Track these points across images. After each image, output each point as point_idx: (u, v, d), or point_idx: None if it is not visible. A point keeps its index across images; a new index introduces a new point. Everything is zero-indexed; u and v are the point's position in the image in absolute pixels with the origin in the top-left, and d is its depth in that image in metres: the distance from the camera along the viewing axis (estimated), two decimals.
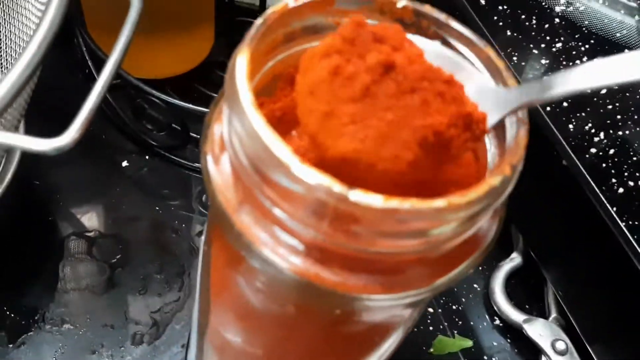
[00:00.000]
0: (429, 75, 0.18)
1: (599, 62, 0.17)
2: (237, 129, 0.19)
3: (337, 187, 0.17)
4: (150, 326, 0.37)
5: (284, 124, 0.24)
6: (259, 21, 0.20)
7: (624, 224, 0.34)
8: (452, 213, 0.17)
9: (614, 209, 0.35)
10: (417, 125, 0.18)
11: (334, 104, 0.18)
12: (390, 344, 0.25)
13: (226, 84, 0.20)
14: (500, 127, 0.21)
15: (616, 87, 0.40)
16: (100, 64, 0.28)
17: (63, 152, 0.23)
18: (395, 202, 0.17)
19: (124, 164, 0.43)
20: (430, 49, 0.21)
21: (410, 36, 0.21)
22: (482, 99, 0.20)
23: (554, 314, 0.42)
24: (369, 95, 0.18)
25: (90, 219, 0.40)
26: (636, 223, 0.34)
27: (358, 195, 0.17)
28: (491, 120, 0.19)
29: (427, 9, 0.21)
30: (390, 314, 0.23)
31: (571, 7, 0.45)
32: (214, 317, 0.26)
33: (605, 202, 0.35)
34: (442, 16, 0.21)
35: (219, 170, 0.21)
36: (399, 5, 0.22)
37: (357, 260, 0.19)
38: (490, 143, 0.21)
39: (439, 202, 0.17)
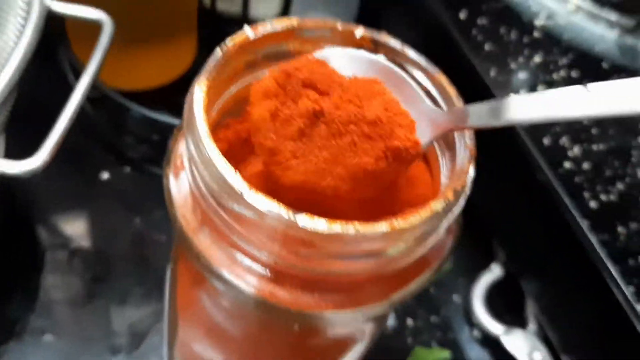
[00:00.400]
0: (355, 118, 0.20)
1: (532, 96, 0.18)
2: (194, 157, 0.19)
3: (285, 213, 0.18)
4: (129, 337, 0.37)
5: (250, 144, 0.24)
6: (217, 53, 0.21)
7: (594, 238, 0.35)
8: (395, 236, 0.18)
9: (586, 223, 0.36)
10: (347, 163, 0.19)
11: (277, 141, 0.20)
12: (355, 356, 0.26)
13: (185, 113, 0.20)
14: (453, 150, 0.21)
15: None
16: None
17: (36, 173, 0.23)
18: (338, 227, 0.17)
19: (105, 176, 0.44)
20: (376, 66, 0.22)
21: (357, 51, 0.22)
22: (420, 118, 0.21)
23: (532, 325, 0.43)
24: (305, 136, 0.20)
25: (71, 231, 0.41)
26: (606, 237, 0.35)
27: (304, 221, 0.17)
28: (425, 139, 0.20)
29: (384, 37, 0.22)
30: (351, 328, 0.24)
31: (552, 21, 0.45)
32: (182, 331, 0.27)
33: (577, 216, 0.36)
34: (398, 44, 0.22)
35: (179, 192, 0.21)
36: (357, 35, 0.22)
37: (310, 280, 0.20)
38: (444, 165, 0.22)
39: (382, 227, 0.18)
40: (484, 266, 0.45)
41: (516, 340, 0.42)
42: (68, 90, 0.40)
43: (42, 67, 0.41)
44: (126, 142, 0.45)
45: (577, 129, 0.40)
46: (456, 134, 0.21)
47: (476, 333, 0.43)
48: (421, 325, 0.43)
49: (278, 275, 0.20)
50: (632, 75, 0.41)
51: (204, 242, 0.20)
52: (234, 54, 0.21)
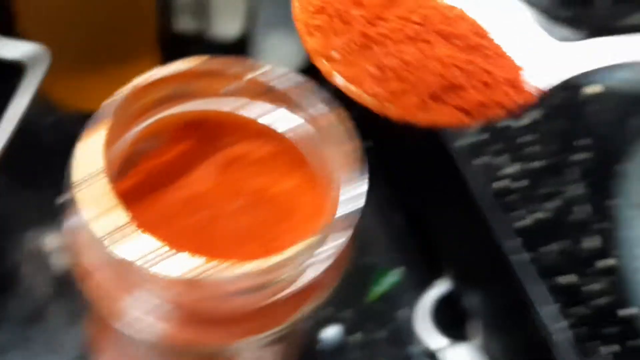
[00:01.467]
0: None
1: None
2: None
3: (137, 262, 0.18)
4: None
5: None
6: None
7: (522, 255, 0.36)
8: (255, 277, 0.19)
9: (517, 240, 0.36)
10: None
11: None
12: None
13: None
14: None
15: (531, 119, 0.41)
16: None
17: None
18: (193, 273, 0.18)
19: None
20: None
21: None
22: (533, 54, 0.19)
23: (476, 340, 0.43)
24: None
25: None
26: (534, 255, 0.36)
27: (159, 268, 0.18)
28: (544, 82, 0.19)
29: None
30: (252, 356, 0.25)
31: None
32: None
33: (508, 234, 0.36)
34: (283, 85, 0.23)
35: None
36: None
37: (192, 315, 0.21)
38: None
39: (245, 267, 0.18)
40: (430, 281, 0.46)
41: (461, 355, 0.43)
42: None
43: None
44: None
45: (514, 146, 0.40)
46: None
47: (421, 347, 0.44)
48: (368, 340, 0.43)
49: (173, 316, 0.21)
50: None
51: (98, 289, 0.21)
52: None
